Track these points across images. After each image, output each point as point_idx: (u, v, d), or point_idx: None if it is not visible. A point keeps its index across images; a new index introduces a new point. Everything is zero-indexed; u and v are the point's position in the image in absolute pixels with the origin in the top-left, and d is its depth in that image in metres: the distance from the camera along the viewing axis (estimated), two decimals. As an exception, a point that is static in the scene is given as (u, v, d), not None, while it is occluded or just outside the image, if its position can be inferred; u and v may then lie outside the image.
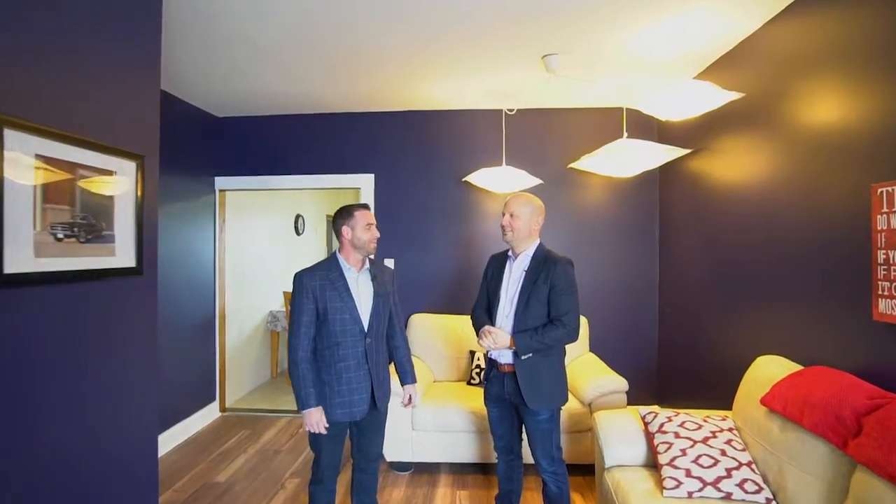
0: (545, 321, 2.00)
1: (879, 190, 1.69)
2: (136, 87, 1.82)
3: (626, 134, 2.85)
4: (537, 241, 2.12)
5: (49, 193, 1.43)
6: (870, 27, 1.78)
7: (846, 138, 1.89)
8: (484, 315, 2.17)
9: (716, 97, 2.13)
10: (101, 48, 1.64)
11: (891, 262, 1.64)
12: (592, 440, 2.43)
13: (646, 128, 3.65)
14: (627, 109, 3.41)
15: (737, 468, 1.82)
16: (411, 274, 3.86)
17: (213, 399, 4.03)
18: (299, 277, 1.94)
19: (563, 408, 2.14)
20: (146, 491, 1.87)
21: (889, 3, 1.70)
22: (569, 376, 2.21)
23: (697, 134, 3.09)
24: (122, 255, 1.73)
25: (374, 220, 1.98)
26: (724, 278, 2.82)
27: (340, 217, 1.97)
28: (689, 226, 3.30)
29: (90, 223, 1.59)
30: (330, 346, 1.91)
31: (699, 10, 2.27)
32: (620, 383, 2.92)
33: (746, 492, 1.76)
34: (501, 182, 3.40)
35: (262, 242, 4.96)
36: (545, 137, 3.83)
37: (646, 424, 2.15)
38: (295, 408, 2.69)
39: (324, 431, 1.87)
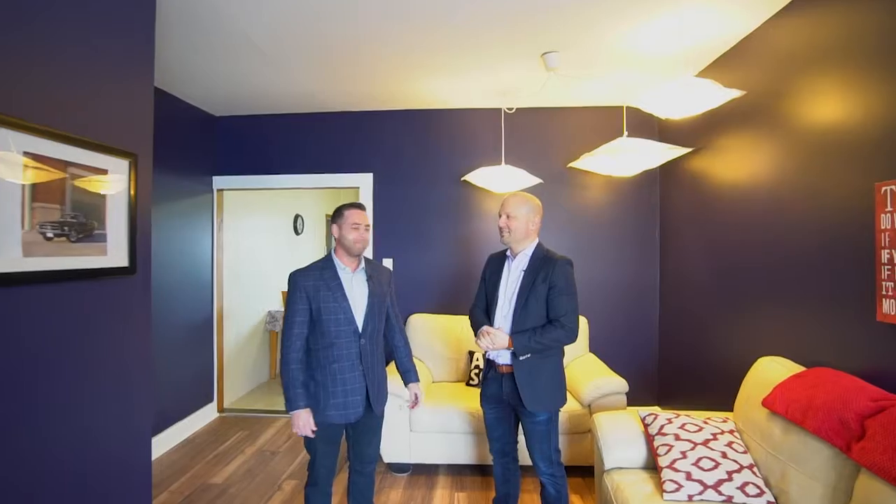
0: (544, 321, 1.98)
1: (884, 189, 1.66)
2: (129, 83, 1.80)
3: (626, 132, 2.83)
4: (536, 241, 2.10)
5: (38, 192, 1.41)
6: (874, 23, 1.76)
7: (850, 136, 1.86)
8: (482, 315, 2.15)
9: (717, 95, 2.10)
10: (92, 43, 1.62)
11: (895, 261, 1.62)
12: (592, 442, 2.40)
13: (646, 126, 3.62)
14: (627, 108, 3.38)
15: (738, 471, 1.79)
16: (410, 274, 3.84)
17: (211, 399, 4.01)
18: (293, 277, 1.92)
19: (562, 409, 2.12)
20: (139, 493, 1.85)
21: (893, -1, 1.67)
22: (568, 377, 2.19)
23: (698, 132, 3.06)
24: (115, 254, 1.71)
25: (362, 221, 1.92)
26: (725, 277, 2.79)
27: (333, 216, 1.97)
28: (689, 225, 3.27)
29: (81, 222, 1.57)
30: (324, 347, 1.88)
31: (699, 7, 2.25)
32: (620, 384, 2.89)
33: (748, 495, 1.73)
34: (500, 181, 3.37)
35: (260, 242, 4.94)
36: (544, 136, 3.80)
37: (646, 426, 2.12)
38: (292, 409, 2.65)
39: (310, 434, 1.85)
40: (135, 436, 1.82)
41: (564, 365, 2.14)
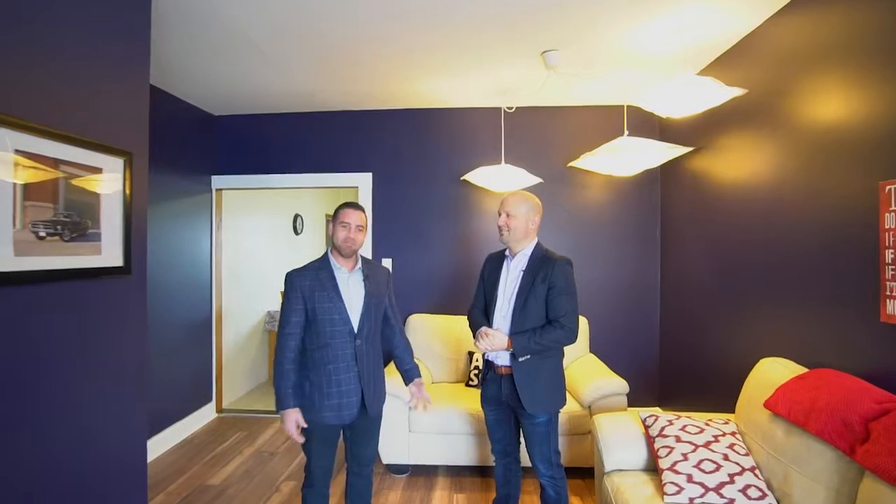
0: (543, 322, 1.96)
1: (888, 187, 1.64)
2: (125, 81, 1.79)
3: (626, 132, 2.81)
4: (535, 241, 2.08)
5: (30, 190, 1.39)
6: (876, 21, 1.73)
7: (853, 134, 1.84)
8: (481, 316, 2.13)
9: (718, 93, 2.08)
10: (87, 41, 1.60)
11: (899, 261, 1.59)
12: (592, 443, 2.38)
13: (647, 126, 3.60)
14: (628, 107, 3.36)
15: (740, 473, 1.77)
16: (409, 273, 3.82)
17: (209, 400, 4.00)
18: (289, 277, 1.91)
19: (561, 410, 2.10)
20: (135, 494, 1.83)
21: (897, -5, 1.65)
22: (568, 377, 2.17)
23: (699, 132, 3.04)
24: (109, 254, 1.69)
25: (352, 220, 1.88)
26: (726, 277, 2.77)
27: (333, 215, 1.95)
28: (690, 225, 3.25)
29: (75, 221, 1.55)
30: (319, 348, 1.87)
31: (700, 5, 2.22)
32: (621, 385, 2.87)
33: (750, 498, 1.71)
34: (500, 180, 3.35)
35: (259, 242, 4.92)
36: (544, 135, 3.78)
37: (646, 428, 2.10)
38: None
39: (297, 437, 1.84)
40: (131, 436, 1.81)
41: (564, 365, 2.12)
